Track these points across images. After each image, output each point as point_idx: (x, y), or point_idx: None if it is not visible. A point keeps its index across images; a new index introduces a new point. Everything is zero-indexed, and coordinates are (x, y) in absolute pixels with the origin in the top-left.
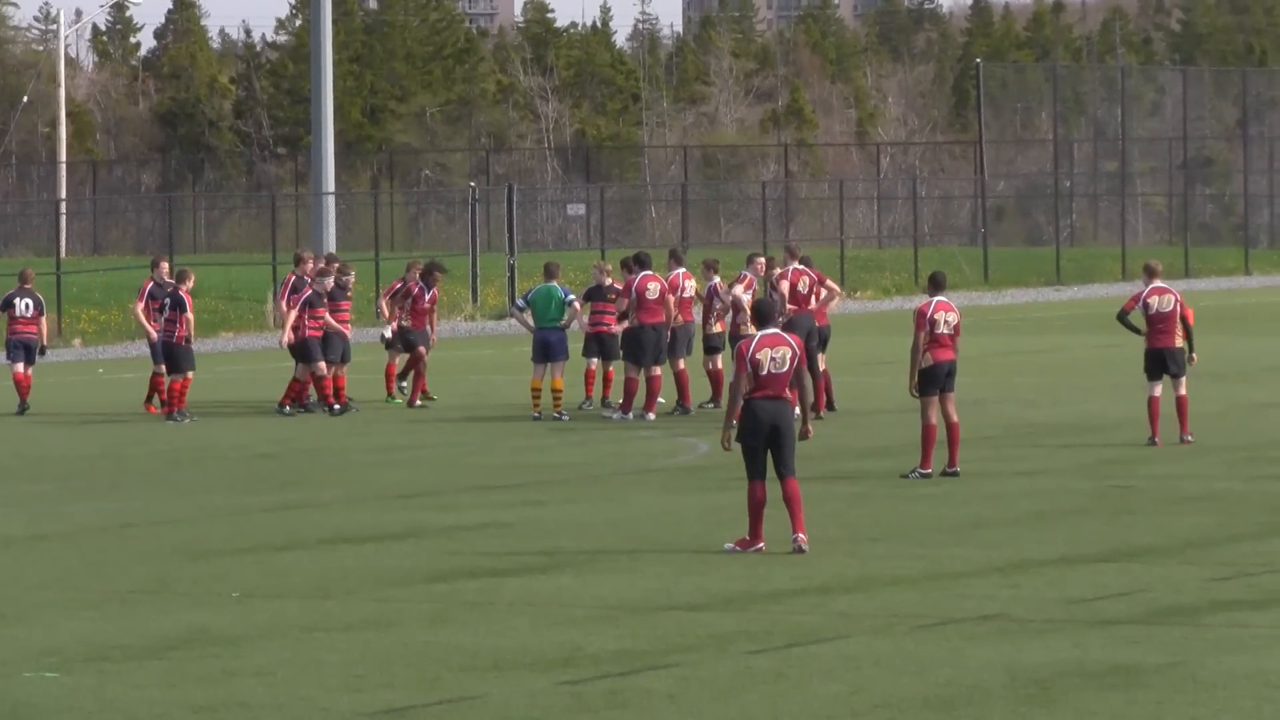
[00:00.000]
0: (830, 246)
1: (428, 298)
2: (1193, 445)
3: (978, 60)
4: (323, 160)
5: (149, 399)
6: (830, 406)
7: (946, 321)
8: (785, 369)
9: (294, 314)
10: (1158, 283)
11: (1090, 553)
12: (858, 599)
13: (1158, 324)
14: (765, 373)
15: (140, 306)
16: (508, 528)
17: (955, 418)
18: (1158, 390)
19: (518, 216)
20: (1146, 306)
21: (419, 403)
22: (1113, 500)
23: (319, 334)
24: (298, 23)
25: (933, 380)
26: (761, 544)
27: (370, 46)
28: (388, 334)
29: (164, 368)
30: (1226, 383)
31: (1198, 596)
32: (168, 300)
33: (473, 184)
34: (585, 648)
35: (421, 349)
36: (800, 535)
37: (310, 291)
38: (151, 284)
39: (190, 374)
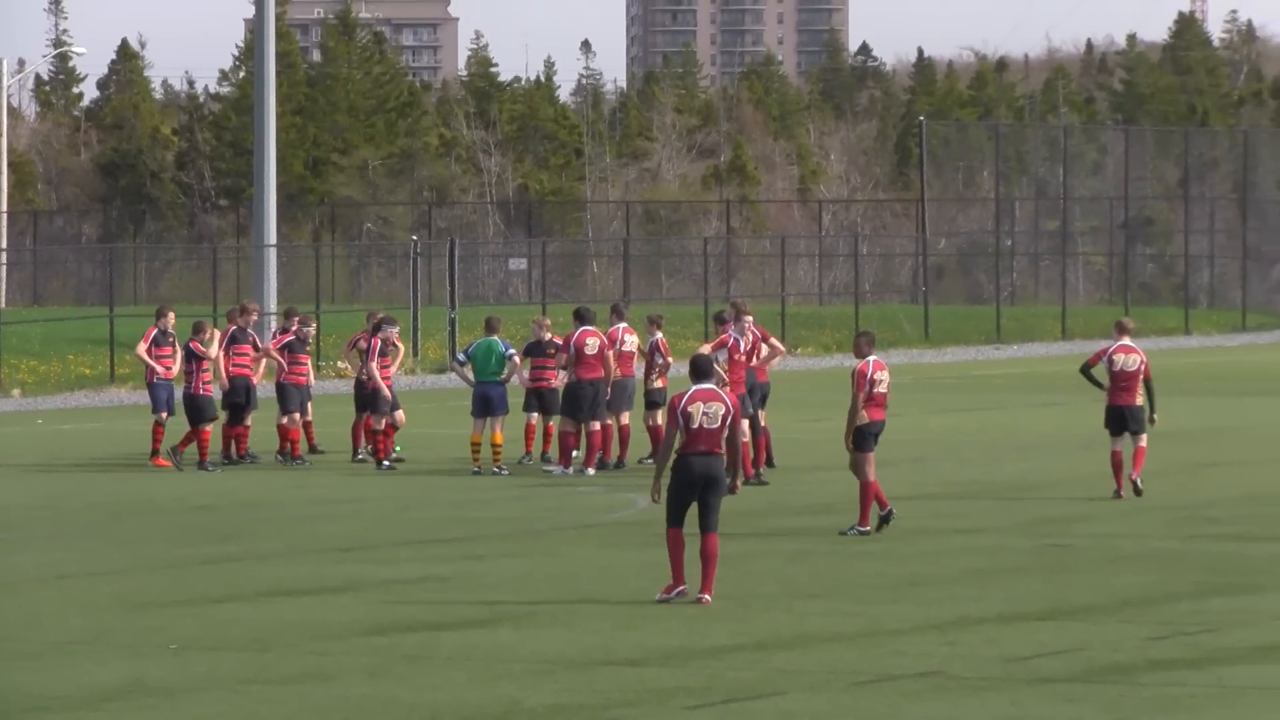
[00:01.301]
0: (771, 303)
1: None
2: (1140, 494)
3: (920, 118)
4: (264, 212)
5: (156, 452)
6: (770, 463)
7: (884, 381)
8: (718, 424)
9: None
10: (1126, 340)
11: (1028, 611)
12: (796, 655)
13: (1120, 381)
14: (697, 426)
15: (144, 348)
16: (446, 581)
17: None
18: (1119, 445)
19: (459, 270)
20: (1111, 362)
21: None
22: (1051, 558)
23: (303, 380)
24: (241, 74)
25: (866, 438)
26: (683, 587)
27: (313, 99)
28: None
29: (165, 415)
30: (1165, 442)
31: (1135, 655)
32: (182, 352)
33: (415, 238)
34: (523, 702)
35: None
36: (706, 596)
37: (292, 337)
38: (156, 331)
39: (209, 424)
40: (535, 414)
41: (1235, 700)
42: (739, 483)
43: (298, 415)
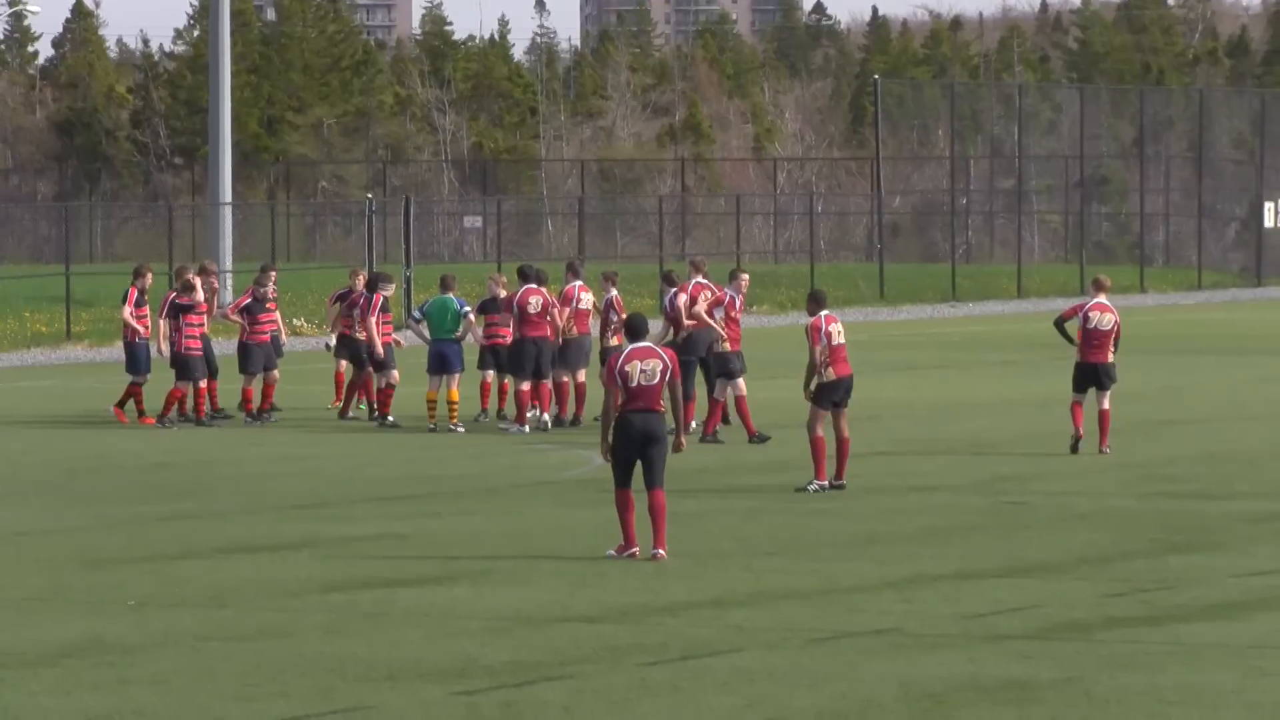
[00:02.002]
0: (726, 261)
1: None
2: (1109, 456)
3: (875, 77)
4: (219, 171)
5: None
6: (725, 421)
7: (839, 332)
8: (656, 381)
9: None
10: (1102, 298)
11: (985, 569)
12: (752, 613)
13: (1093, 339)
14: (635, 384)
15: (129, 311)
16: (403, 539)
17: (847, 433)
18: (1081, 399)
19: (414, 228)
20: (1086, 319)
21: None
22: (1008, 516)
23: (265, 339)
24: (196, 33)
25: (831, 393)
26: (635, 549)
27: (268, 58)
28: (331, 342)
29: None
30: (1122, 401)
31: (1092, 612)
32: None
33: (369, 196)
34: (480, 659)
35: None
36: (660, 551)
37: (249, 299)
38: (136, 292)
39: (195, 381)
40: (490, 371)
41: (1191, 657)
42: (684, 439)
43: (258, 376)
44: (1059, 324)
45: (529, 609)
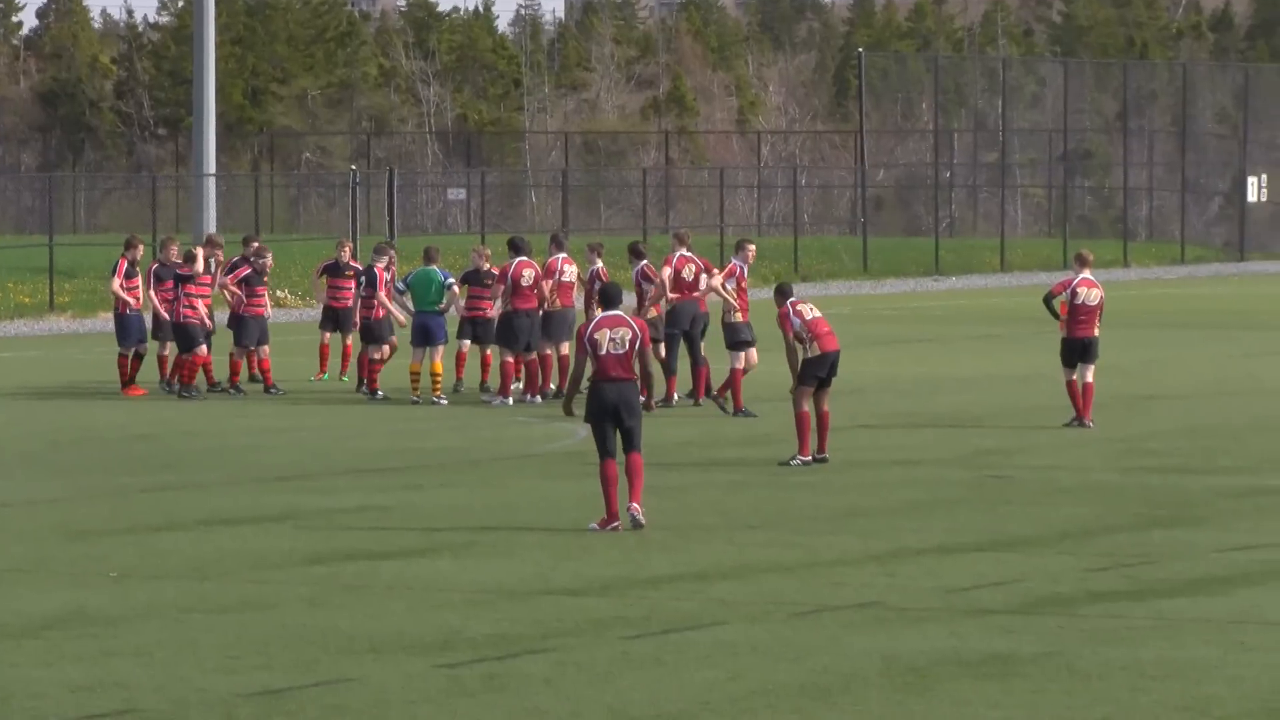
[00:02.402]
0: (710, 234)
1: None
2: (1092, 429)
3: (859, 50)
4: (204, 142)
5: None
6: (709, 394)
7: (810, 309)
8: (625, 350)
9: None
10: (1087, 273)
11: (967, 542)
12: (735, 586)
13: (1080, 315)
14: (605, 353)
15: (118, 283)
16: (386, 511)
17: (827, 407)
18: (1074, 375)
19: (398, 200)
20: (1074, 295)
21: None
22: (990, 490)
23: (261, 312)
24: (180, 4)
25: (817, 368)
26: (617, 523)
27: (252, 29)
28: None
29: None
30: (1103, 375)
31: (1074, 587)
32: (170, 280)
33: (353, 167)
34: (463, 631)
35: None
36: (635, 505)
37: (249, 270)
38: (126, 264)
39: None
40: (468, 342)
41: (1173, 632)
42: (654, 402)
43: (251, 349)
44: (1047, 301)
45: (511, 581)
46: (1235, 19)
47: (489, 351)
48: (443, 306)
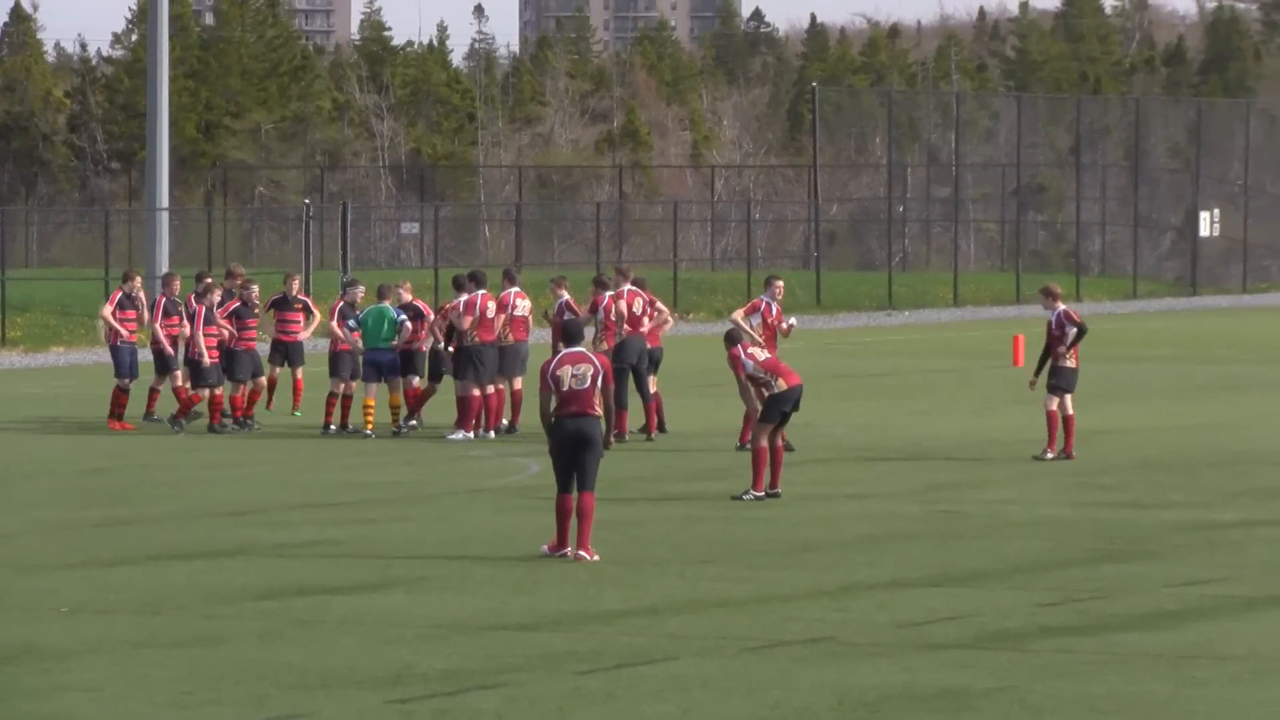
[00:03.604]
0: (663, 268)
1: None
2: (1049, 464)
3: (813, 84)
4: (157, 175)
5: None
6: (662, 428)
7: (760, 353)
8: (587, 385)
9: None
10: (1063, 305)
11: (919, 577)
12: (687, 620)
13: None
14: (567, 389)
15: (109, 310)
16: (338, 545)
17: (781, 441)
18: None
19: (351, 234)
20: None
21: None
22: (942, 525)
23: (252, 345)
24: (134, 37)
25: (782, 404)
26: (567, 550)
27: (206, 62)
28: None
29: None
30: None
31: (1026, 622)
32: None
33: (307, 201)
34: (415, 666)
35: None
36: (582, 552)
37: (239, 304)
38: (121, 295)
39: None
40: (415, 378)
41: (1125, 667)
42: (611, 439)
43: (245, 384)
44: (1081, 333)
45: (464, 616)
46: (1188, 54)
47: (418, 384)
48: (396, 344)
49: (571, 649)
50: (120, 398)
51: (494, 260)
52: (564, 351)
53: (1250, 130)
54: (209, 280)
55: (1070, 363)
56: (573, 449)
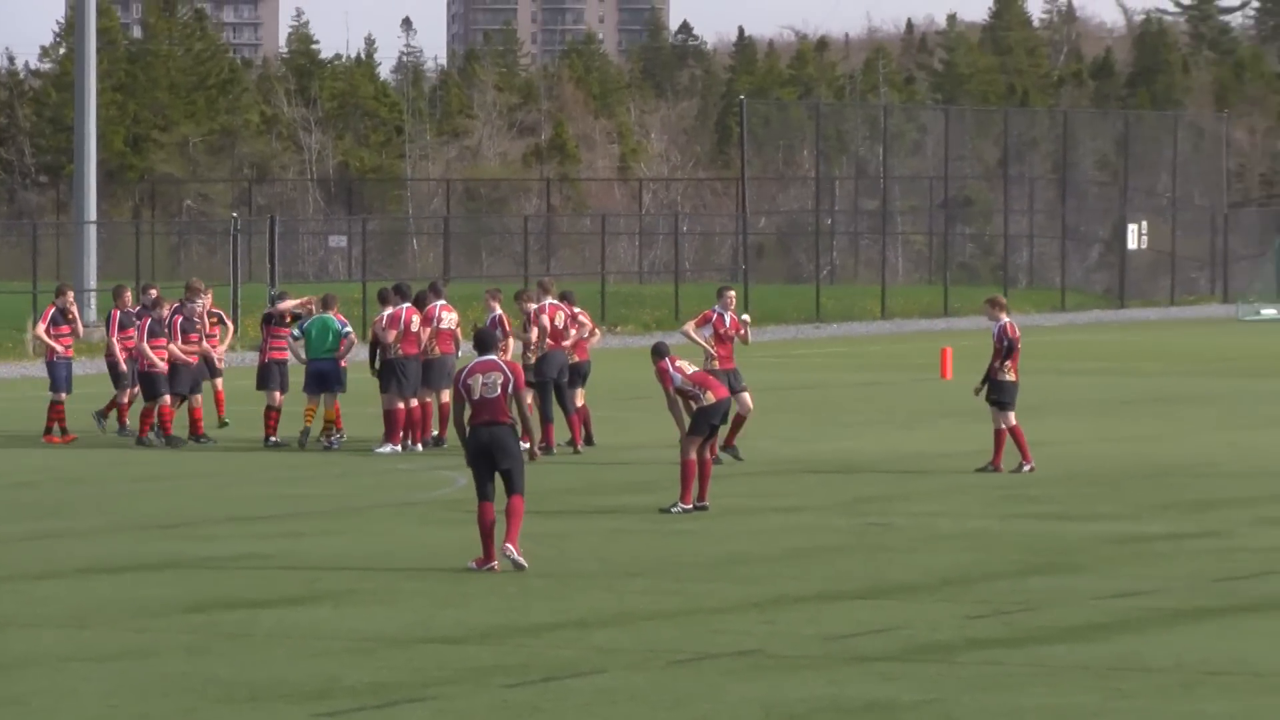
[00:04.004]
0: (592, 281)
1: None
2: (972, 476)
3: (741, 97)
4: (85, 189)
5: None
6: (589, 441)
7: (687, 367)
8: (497, 394)
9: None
10: (1007, 317)
11: (847, 590)
12: (615, 633)
13: (1016, 357)
14: (478, 398)
15: (43, 328)
16: (266, 559)
17: (709, 454)
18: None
19: (280, 248)
20: (1016, 340)
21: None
22: (870, 537)
23: (194, 359)
24: (61, 51)
25: (711, 416)
26: (494, 563)
27: (134, 76)
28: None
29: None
30: (982, 422)
31: (954, 634)
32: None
33: (235, 214)
34: (342, 679)
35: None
36: (509, 546)
37: (182, 318)
38: (54, 310)
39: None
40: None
41: (1053, 679)
42: (537, 449)
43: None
44: (1009, 352)
45: (392, 629)
46: (1116, 66)
47: (220, 386)
48: (339, 354)
49: (499, 662)
50: (56, 412)
51: (422, 273)
52: (475, 361)
53: (1178, 143)
54: (154, 293)
55: (1010, 376)
56: (490, 457)
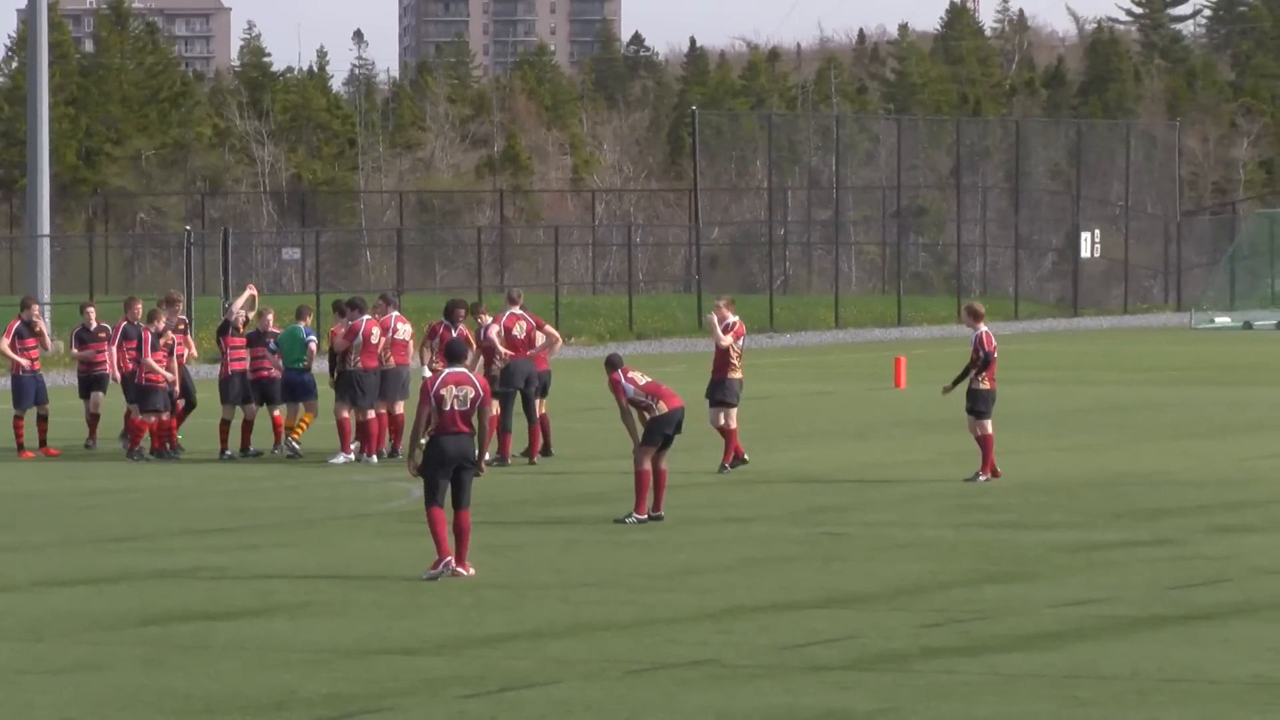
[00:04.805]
0: (545, 292)
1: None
2: (1000, 479)
3: (693, 108)
4: (38, 202)
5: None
6: (547, 452)
7: (641, 377)
8: (468, 407)
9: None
10: (984, 326)
11: (802, 599)
12: (570, 644)
13: (993, 368)
14: (449, 409)
15: (6, 343)
16: (221, 571)
17: (664, 465)
18: (990, 426)
19: (233, 260)
20: (993, 349)
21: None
22: (824, 547)
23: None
24: (14, 64)
25: (664, 426)
26: (449, 558)
27: (86, 89)
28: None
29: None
30: (936, 432)
31: (908, 643)
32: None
33: (188, 228)
34: (298, 691)
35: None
36: (462, 570)
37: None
38: (19, 323)
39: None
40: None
41: (1007, 688)
42: (484, 464)
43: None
44: (985, 362)
45: (347, 641)
46: (1068, 75)
47: (277, 412)
48: (306, 364)
49: (454, 673)
50: (19, 425)
51: (375, 285)
52: (446, 372)
53: (1131, 151)
54: (151, 308)
55: (985, 385)
56: (453, 468)
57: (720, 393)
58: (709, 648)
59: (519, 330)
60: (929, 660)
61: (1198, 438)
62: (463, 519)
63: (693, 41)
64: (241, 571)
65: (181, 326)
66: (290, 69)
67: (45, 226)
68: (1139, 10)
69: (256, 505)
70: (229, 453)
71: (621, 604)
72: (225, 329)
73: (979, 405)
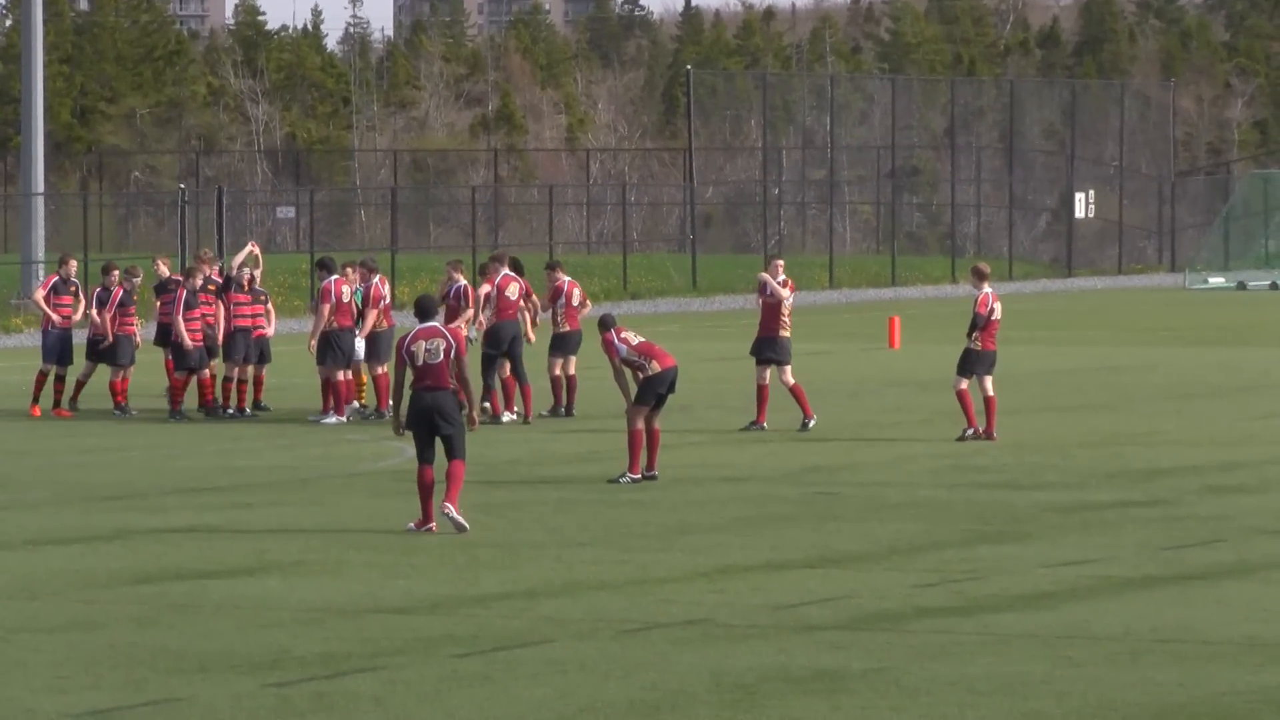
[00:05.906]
0: (539, 252)
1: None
2: (995, 443)
3: (688, 67)
4: (32, 161)
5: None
6: (569, 412)
7: (633, 337)
8: (440, 359)
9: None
10: (988, 287)
11: (795, 559)
12: (564, 603)
13: (993, 329)
14: (421, 363)
15: (42, 295)
16: (214, 530)
17: (658, 424)
18: (965, 384)
19: (227, 219)
20: (992, 310)
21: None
22: (818, 506)
23: (131, 331)
24: (8, 23)
25: (657, 385)
26: (433, 524)
27: (80, 47)
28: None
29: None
30: (930, 391)
31: (902, 603)
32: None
33: (182, 186)
34: (291, 650)
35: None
36: (448, 505)
37: (123, 292)
38: (56, 279)
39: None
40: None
41: (1001, 647)
42: (475, 415)
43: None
44: (977, 322)
45: (341, 600)
46: (1062, 35)
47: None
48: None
49: (448, 632)
50: (39, 382)
51: (370, 244)
52: (417, 327)
53: (1125, 112)
54: (192, 265)
55: (978, 345)
56: (430, 422)
57: (771, 350)
58: (702, 607)
59: (511, 292)
60: (922, 620)
61: (1192, 398)
62: (454, 467)
63: (687, 1)
64: (235, 530)
65: (212, 287)
66: (285, 27)
67: (39, 185)
68: None
69: (250, 464)
70: (230, 410)
71: (615, 563)
72: (227, 285)
73: (966, 363)
